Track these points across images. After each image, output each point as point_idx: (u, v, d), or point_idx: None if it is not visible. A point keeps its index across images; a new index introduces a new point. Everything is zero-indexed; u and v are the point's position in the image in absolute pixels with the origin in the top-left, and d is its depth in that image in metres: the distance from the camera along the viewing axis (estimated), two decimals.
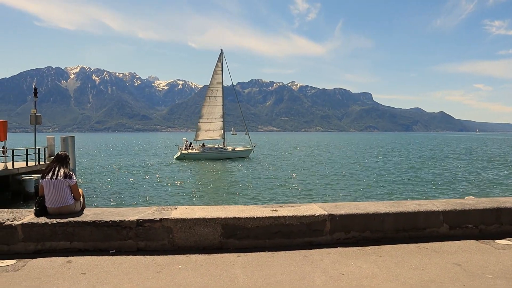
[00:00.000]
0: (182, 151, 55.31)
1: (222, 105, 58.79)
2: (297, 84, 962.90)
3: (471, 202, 6.40)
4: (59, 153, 6.27)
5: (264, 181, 32.88)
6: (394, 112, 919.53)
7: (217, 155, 54.85)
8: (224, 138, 58.79)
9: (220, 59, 59.09)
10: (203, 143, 57.17)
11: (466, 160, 56.36)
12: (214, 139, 58.61)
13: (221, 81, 58.90)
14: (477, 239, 5.77)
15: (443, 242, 5.62)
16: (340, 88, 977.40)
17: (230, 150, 57.06)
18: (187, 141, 58.08)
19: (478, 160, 57.26)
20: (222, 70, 58.77)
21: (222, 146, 57.47)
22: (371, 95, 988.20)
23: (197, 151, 55.37)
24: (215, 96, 58.70)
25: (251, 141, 59.15)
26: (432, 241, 5.65)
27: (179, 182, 32.12)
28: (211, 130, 58.15)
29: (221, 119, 58.82)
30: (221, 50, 59.66)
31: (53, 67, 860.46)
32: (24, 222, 5.25)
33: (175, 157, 56.61)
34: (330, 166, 46.84)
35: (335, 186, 29.88)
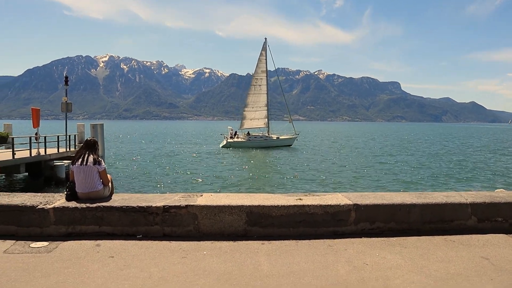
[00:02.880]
0: (228, 140, 55.82)
1: (267, 93, 59.20)
2: (324, 73, 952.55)
3: (501, 195, 6.22)
4: (88, 139, 6.40)
5: (302, 169, 33.08)
6: (423, 102, 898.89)
7: (262, 144, 55.26)
8: (268, 126, 59.11)
9: (264, 48, 59.35)
10: (248, 132, 57.71)
11: (497, 152, 54.74)
12: (259, 127, 59.06)
13: (265, 69, 59.45)
14: (506, 233, 5.62)
15: (471, 235, 5.51)
16: (367, 77, 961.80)
17: (275, 138, 57.23)
18: (232, 129, 58.52)
19: (509, 152, 55.51)
20: (266, 59, 59.05)
21: (266, 135, 57.83)
22: (399, 84, 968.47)
23: (243, 140, 55.87)
24: (259, 85, 59.23)
25: (295, 129, 58.88)
26: (459, 234, 5.53)
27: (216, 170, 32.58)
28: (256, 118, 58.73)
29: (266, 108, 59.29)
30: (265, 39, 59.80)
31: (83, 55, 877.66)
32: (56, 206, 5.42)
33: (221, 145, 57.22)
34: (359, 155, 46.41)
35: (361, 176, 29.60)
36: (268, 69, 60.11)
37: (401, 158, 44.14)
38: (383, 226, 5.57)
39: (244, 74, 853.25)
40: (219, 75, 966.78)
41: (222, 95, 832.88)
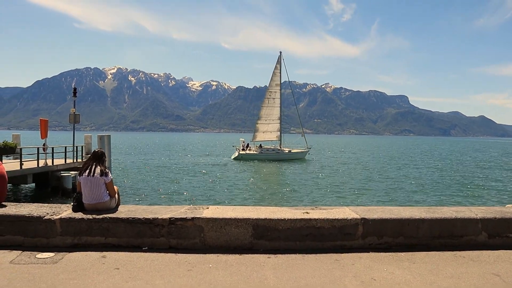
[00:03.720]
0: (240, 152, 56.07)
1: (280, 107, 59.71)
2: (331, 86, 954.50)
3: None
4: (96, 150, 6.45)
5: (312, 183, 33.09)
6: (431, 115, 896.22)
7: (274, 156, 55.41)
8: (280, 139, 59.38)
9: (279, 61, 59.92)
10: (260, 144, 57.98)
11: (507, 167, 54.21)
12: (271, 140, 59.40)
13: (279, 83, 60.11)
14: None
15: (481, 251, 5.43)
16: (375, 91, 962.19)
17: (287, 151, 57.38)
18: (244, 141, 58.92)
19: None
20: (280, 72, 59.63)
21: (279, 148, 58.02)
22: (407, 97, 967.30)
23: (255, 152, 56.07)
24: (273, 98, 59.80)
25: (307, 143, 59.14)
26: (470, 250, 5.46)
27: (225, 182, 32.58)
28: (268, 131, 59.18)
29: (278, 121, 59.80)
30: (280, 52, 60.56)
31: (92, 67, 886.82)
32: (63, 217, 5.44)
33: (232, 157, 57.50)
34: (365, 169, 46.21)
35: (369, 190, 29.42)
36: (282, 83, 60.73)
37: (409, 172, 43.86)
38: (391, 241, 5.52)
39: (251, 87, 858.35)
40: (226, 87, 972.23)
41: (229, 108, 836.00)
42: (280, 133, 59.46)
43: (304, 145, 59.25)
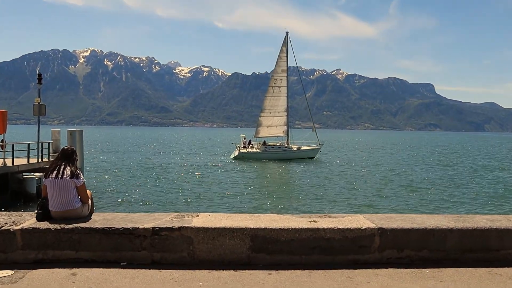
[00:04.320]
0: (241, 150, 56.24)
1: (287, 97, 59.69)
2: (343, 73, 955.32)
3: None
4: (65, 148, 6.45)
5: (321, 186, 33.30)
6: (462, 107, 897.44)
7: (280, 155, 55.75)
8: (288, 135, 59.39)
9: (285, 43, 59.84)
10: (264, 141, 58.06)
11: None
12: (277, 136, 59.47)
13: (285, 68, 60.11)
14: None
15: None
16: (394, 78, 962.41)
17: (295, 149, 57.56)
18: (245, 138, 59.12)
19: None
20: (287, 56, 59.55)
21: (285, 145, 58.11)
22: (432, 86, 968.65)
23: (258, 150, 56.30)
24: (279, 87, 59.68)
25: (318, 139, 59.06)
26: (507, 266, 5.47)
27: (221, 186, 32.85)
28: (273, 125, 59.21)
29: (285, 113, 59.76)
30: (286, 32, 60.75)
31: (60, 49, 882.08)
32: (24, 227, 5.42)
33: (232, 156, 57.75)
34: (382, 170, 46.32)
35: (386, 194, 29.48)
36: (289, 69, 60.80)
37: (434, 174, 43.98)
38: (414, 254, 5.52)
39: (249, 73, 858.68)
40: (220, 74, 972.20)
41: (223, 98, 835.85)
42: (287, 128, 59.43)
43: (315, 142, 59.24)
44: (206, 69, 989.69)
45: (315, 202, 26.51)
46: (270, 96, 59.66)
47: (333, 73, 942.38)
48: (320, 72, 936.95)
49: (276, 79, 59.92)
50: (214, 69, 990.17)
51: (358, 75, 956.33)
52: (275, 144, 58.31)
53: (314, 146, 59.36)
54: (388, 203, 26.37)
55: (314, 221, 5.69)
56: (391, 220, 5.81)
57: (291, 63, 60.92)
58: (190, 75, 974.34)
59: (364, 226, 5.52)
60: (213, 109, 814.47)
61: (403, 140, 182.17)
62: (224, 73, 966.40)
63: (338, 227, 5.48)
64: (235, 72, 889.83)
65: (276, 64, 59.99)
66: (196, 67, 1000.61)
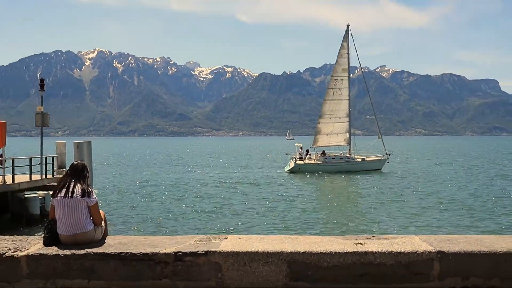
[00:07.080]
0: (297, 161, 56.36)
1: (349, 100, 59.70)
2: (389, 70, 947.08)
3: None
4: (75, 163, 6.51)
5: (394, 203, 33.11)
6: None
7: (342, 167, 55.83)
8: (350, 144, 59.47)
9: (346, 38, 60.21)
10: (323, 151, 58.34)
11: None
12: (338, 145, 59.62)
13: (347, 67, 60.23)
14: None
15: None
16: (450, 74, 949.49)
17: (359, 160, 57.59)
18: (302, 148, 59.16)
19: None
20: (348, 53, 59.96)
21: (348, 155, 58.22)
22: (497, 82, 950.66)
23: (317, 162, 56.58)
24: (339, 88, 59.78)
25: (385, 148, 59.00)
26: None
27: (261, 204, 32.69)
28: (334, 133, 59.39)
29: (347, 119, 59.84)
30: (347, 25, 60.77)
31: (63, 51, 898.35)
32: (30, 253, 5.48)
33: (286, 169, 58.00)
34: (438, 181, 45.76)
35: (448, 212, 29.09)
36: (351, 67, 61.17)
37: (503, 187, 43.16)
38: (482, 283, 5.42)
39: (279, 73, 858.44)
40: (245, 75, 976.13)
41: (249, 102, 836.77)
42: (349, 135, 59.39)
43: (380, 151, 59.03)
44: (229, 69, 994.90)
45: (357, 219, 26.33)
46: (330, 100, 59.59)
47: (377, 70, 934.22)
48: (362, 69, 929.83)
49: (336, 79, 59.86)
50: (238, 69, 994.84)
51: (407, 72, 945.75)
52: (336, 154, 58.33)
53: (380, 156, 59.02)
54: (446, 221, 25.97)
55: (361, 243, 5.65)
56: (453, 242, 5.73)
57: (353, 62, 60.70)
58: (211, 77, 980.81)
59: (421, 249, 5.45)
60: (238, 115, 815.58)
61: (461, 147, 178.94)
62: (250, 74, 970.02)
63: (390, 250, 5.43)
64: (263, 72, 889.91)
65: (336, 63, 60.24)
66: (218, 67, 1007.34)
